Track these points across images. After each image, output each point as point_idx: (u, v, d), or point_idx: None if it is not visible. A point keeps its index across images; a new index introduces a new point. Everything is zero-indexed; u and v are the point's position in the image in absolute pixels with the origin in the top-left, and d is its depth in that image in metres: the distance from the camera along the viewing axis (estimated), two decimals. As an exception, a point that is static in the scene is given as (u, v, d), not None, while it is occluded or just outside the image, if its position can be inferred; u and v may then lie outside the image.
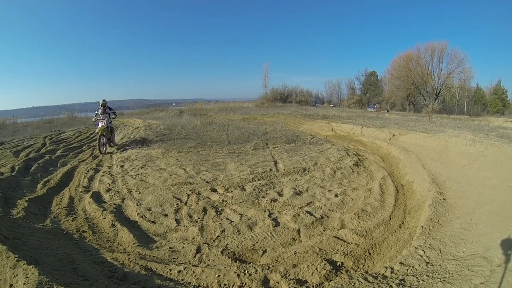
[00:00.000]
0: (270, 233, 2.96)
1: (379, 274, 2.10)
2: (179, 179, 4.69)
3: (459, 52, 32.14)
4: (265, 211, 3.46)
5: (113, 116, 8.00)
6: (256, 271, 2.23)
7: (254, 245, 2.77)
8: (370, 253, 2.62)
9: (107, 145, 7.65)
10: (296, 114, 18.76)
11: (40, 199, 3.96)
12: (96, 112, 7.68)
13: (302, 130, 11.12)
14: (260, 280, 2.14)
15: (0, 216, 2.95)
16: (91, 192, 4.20)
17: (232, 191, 4.09)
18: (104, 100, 7.72)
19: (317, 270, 2.21)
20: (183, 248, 2.72)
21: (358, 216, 3.29)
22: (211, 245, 2.77)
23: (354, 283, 1.97)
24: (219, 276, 2.16)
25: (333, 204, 3.65)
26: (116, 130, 13.70)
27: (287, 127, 11.96)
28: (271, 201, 3.75)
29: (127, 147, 7.87)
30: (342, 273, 2.24)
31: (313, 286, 2.06)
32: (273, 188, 4.27)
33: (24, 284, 1.74)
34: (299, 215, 3.33)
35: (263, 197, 3.91)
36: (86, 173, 5.43)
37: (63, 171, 5.49)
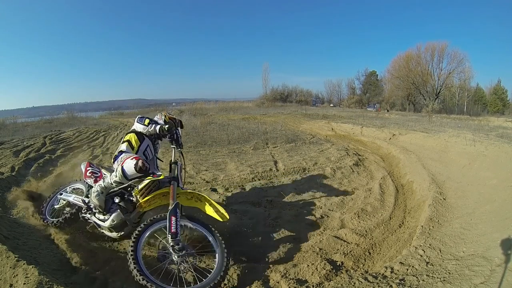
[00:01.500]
0: (271, 233, 2.96)
1: (379, 274, 2.10)
2: (179, 179, 4.69)
3: (459, 52, 32.23)
4: (265, 211, 3.46)
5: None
6: (257, 270, 2.23)
7: (254, 244, 2.77)
8: (370, 253, 2.61)
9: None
10: (296, 114, 18.76)
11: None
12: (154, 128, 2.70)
13: (302, 130, 11.12)
14: (260, 279, 2.14)
15: (0, 216, 2.95)
16: (91, 192, 4.20)
17: (232, 191, 4.09)
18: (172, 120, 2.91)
19: (317, 270, 2.21)
20: (183, 248, 2.72)
21: (358, 216, 3.29)
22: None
23: (354, 283, 1.97)
24: (219, 276, 2.16)
25: (333, 204, 3.65)
26: (116, 130, 13.55)
27: (287, 127, 11.96)
28: (271, 201, 3.75)
29: None
30: (342, 272, 2.24)
31: (313, 286, 2.06)
32: (273, 188, 4.27)
33: (24, 284, 1.74)
34: (299, 215, 3.33)
35: (263, 196, 3.91)
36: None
37: (64, 171, 5.48)
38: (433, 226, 2.78)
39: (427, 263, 2.16)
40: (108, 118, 25.36)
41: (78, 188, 2.92)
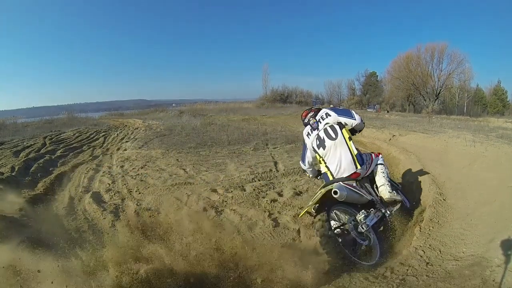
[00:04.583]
0: (270, 233, 2.97)
1: (379, 274, 2.10)
2: (179, 179, 4.70)
3: (459, 53, 32.21)
4: (265, 212, 3.46)
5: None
6: (256, 271, 2.23)
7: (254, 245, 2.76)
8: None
9: None
10: (296, 114, 18.75)
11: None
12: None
13: (302, 131, 11.11)
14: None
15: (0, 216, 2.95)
16: (91, 192, 4.21)
17: (232, 192, 4.09)
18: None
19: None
20: (183, 248, 2.71)
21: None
22: (211, 245, 2.76)
23: (355, 283, 1.97)
24: (219, 276, 2.16)
25: (333, 205, 3.64)
26: (116, 131, 13.52)
27: (287, 128, 11.96)
28: (271, 202, 3.75)
29: None
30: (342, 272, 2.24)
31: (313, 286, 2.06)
32: (273, 189, 4.27)
33: (24, 283, 1.74)
34: (299, 215, 3.33)
35: (263, 197, 3.91)
36: (86, 173, 5.43)
37: (63, 171, 5.49)
38: (433, 227, 2.77)
39: (427, 263, 2.16)
40: (108, 118, 25.37)
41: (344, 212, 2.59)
